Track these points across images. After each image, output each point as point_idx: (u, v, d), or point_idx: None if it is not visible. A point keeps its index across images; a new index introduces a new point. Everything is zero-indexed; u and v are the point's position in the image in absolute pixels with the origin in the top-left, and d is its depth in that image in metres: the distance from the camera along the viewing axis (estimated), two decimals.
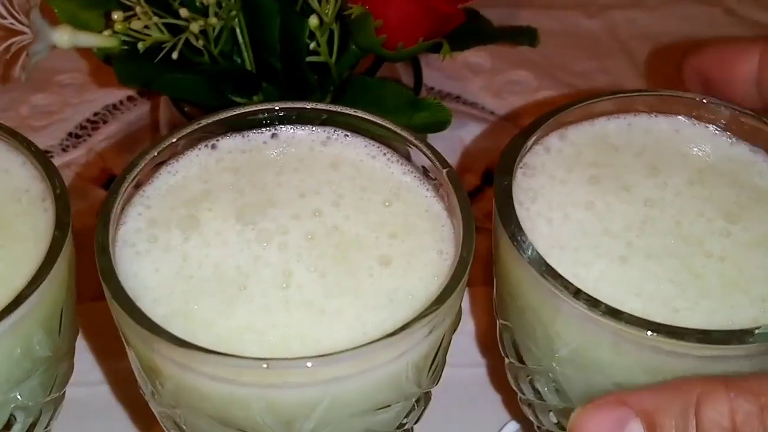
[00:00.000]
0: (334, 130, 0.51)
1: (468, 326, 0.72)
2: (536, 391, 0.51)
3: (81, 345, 0.57)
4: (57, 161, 0.83)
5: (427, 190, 0.49)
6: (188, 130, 0.48)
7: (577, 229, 0.47)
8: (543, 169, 0.50)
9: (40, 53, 0.64)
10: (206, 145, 0.49)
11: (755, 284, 0.45)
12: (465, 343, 0.71)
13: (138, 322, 0.40)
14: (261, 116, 0.50)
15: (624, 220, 0.48)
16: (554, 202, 0.49)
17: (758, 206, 0.49)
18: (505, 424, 0.65)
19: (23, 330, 0.42)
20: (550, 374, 0.49)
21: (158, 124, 0.78)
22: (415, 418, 0.48)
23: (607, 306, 0.42)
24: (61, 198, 0.45)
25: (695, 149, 0.52)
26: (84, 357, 0.60)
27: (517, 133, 0.50)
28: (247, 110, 0.50)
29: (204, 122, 0.49)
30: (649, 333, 0.41)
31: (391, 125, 0.49)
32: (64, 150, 0.84)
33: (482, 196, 0.84)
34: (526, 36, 0.69)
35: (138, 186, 0.47)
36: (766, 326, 0.42)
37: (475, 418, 0.66)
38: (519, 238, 0.45)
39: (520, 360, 0.51)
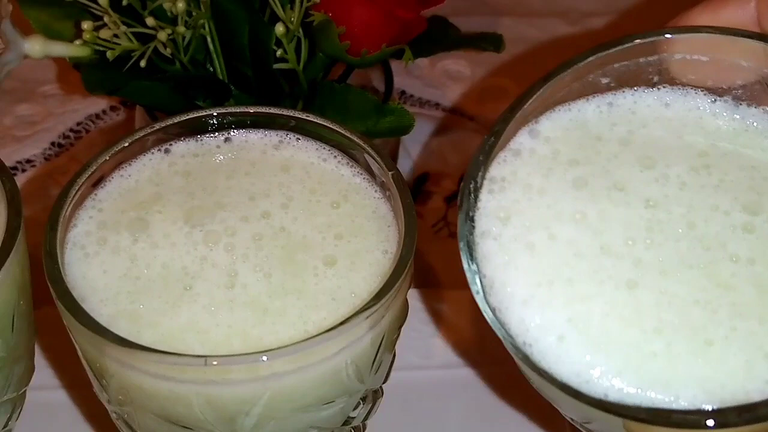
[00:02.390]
0: (287, 134, 0.52)
1: (442, 329, 0.73)
2: None
3: (45, 348, 0.58)
4: (39, 170, 0.85)
5: (376, 191, 0.49)
6: (141, 134, 0.50)
7: (567, 252, 0.38)
8: (515, 179, 0.40)
9: (11, 63, 0.65)
10: (159, 149, 0.50)
11: None
12: (438, 345, 0.72)
13: (82, 322, 0.41)
14: (214, 120, 0.51)
15: (625, 230, 0.39)
16: (534, 219, 0.39)
17: None
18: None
19: None
20: None
21: None
22: (364, 415, 0.48)
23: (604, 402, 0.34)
24: (13, 202, 0.46)
25: (692, 126, 0.42)
26: (46, 360, 0.61)
27: (479, 145, 0.41)
28: (200, 114, 0.51)
29: (158, 126, 0.50)
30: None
31: (342, 129, 0.50)
32: (46, 159, 0.86)
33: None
34: (490, 42, 0.69)
35: (90, 190, 0.48)
36: None
37: (450, 418, 0.66)
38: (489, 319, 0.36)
39: None
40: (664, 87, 0.42)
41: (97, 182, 0.48)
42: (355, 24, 0.64)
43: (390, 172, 0.48)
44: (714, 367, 0.35)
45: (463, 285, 0.79)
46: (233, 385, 0.41)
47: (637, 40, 0.41)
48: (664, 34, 0.41)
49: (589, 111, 0.42)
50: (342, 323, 0.41)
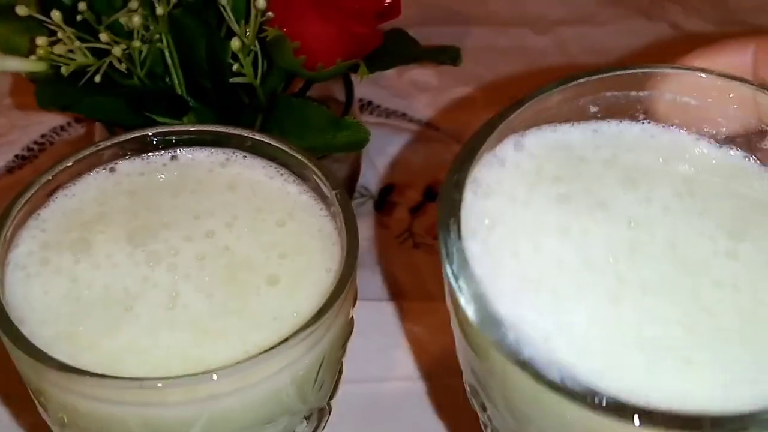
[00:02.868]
0: (233, 152, 0.52)
1: (404, 340, 0.73)
2: None
3: None
4: (2, 183, 0.84)
5: (322, 210, 0.50)
6: (86, 153, 0.49)
7: (551, 263, 0.39)
8: (500, 188, 0.41)
9: None
10: (105, 168, 0.50)
11: None
12: (399, 357, 0.72)
13: (19, 346, 0.41)
14: (161, 138, 0.51)
15: (607, 247, 0.39)
16: (518, 229, 0.40)
17: (765, 218, 0.41)
18: None
19: None
20: None
21: None
22: (311, 431, 0.48)
23: (613, 403, 0.33)
24: None
25: (676, 155, 0.43)
26: None
27: (467, 141, 0.41)
28: (146, 133, 0.51)
29: (103, 145, 0.50)
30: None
31: (288, 147, 0.50)
32: (9, 171, 0.85)
33: (424, 211, 0.85)
34: (448, 55, 0.69)
35: (33, 209, 0.48)
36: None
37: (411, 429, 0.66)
38: (475, 307, 0.35)
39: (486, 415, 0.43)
40: (649, 122, 0.44)
41: (41, 202, 0.48)
42: (310, 39, 0.64)
43: (334, 191, 0.48)
44: (694, 385, 0.35)
45: (426, 296, 0.79)
46: (170, 407, 0.41)
47: (632, 70, 0.42)
48: (658, 68, 0.42)
49: (574, 134, 0.44)
50: (281, 343, 0.41)
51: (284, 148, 0.50)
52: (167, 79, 0.71)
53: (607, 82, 0.42)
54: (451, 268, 0.36)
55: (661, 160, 0.43)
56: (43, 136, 0.88)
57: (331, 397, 0.49)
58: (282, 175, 0.51)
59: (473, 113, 0.95)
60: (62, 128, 0.89)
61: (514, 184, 0.42)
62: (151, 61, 0.67)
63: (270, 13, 0.63)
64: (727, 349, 0.36)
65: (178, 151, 0.52)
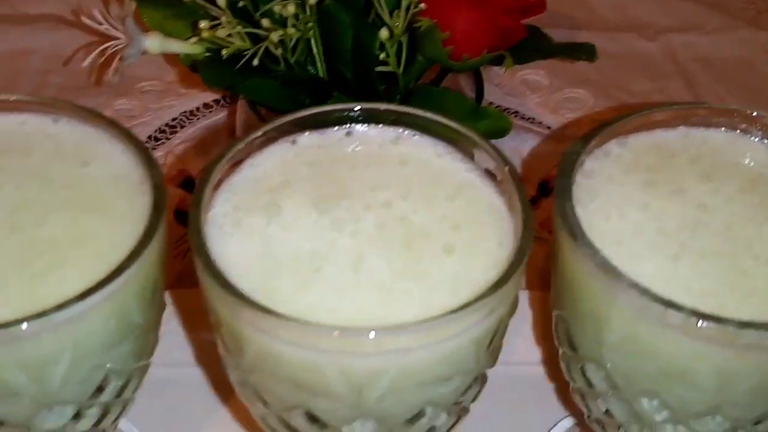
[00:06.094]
0: (403, 130, 0.55)
1: (524, 327, 0.75)
2: (586, 379, 0.54)
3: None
4: None
5: (489, 187, 0.52)
6: (270, 127, 0.53)
7: (633, 227, 0.51)
8: (602, 172, 0.54)
9: (132, 57, 0.70)
10: (286, 141, 0.54)
11: None
12: (520, 342, 0.75)
13: (227, 292, 0.45)
14: (337, 115, 0.54)
15: (677, 221, 0.51)
16: (612, 201, 0.52)
17: None
18: (560, 420, 0.68)
19: (120, 299, 0.47)
20: (599, 361, 0.52)
21: (234, 128, 0.83)
22: (472, 397, 0.51)
23: (659, 297, 0.45)
24: (159, 183, 0.49)
25: (748, 160, 0.56)
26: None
27: (580, 137, 0.54)
28: (324, 110, 0.54)
29: (285, 120, 0.53)
30: (700, 323, 0.45)
31: (458, 125, 0.53)
32: None
33: (538, 206, 0.87)
34: (584, 52, 0.72)
35: (226, 174, 0.52)
36: None
37: (530, 413, 0.69)
38: (576, 233, 0.48)
39: (573, 348, 0.54)
40: (733, 130, 0.57)
41: (231, 169, 0.52)
42: (459, 30, 0.67)
43: (506, 167, 0.50)
44: None
45: (542, 286, 0.81)
46: (365, 357, 0.44)
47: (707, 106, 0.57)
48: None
49: (669, 136, 0.57)
50: (465, 306, 0.44)
51: (454, 126, 0.53)
52: (309, 66, 0.75)
53: (694, 113, 0.57)
54: (568, 222, 0.49)
55: (736, 162, 0.55)
56: (174, 119, 0.93)
57: (493, 363, 0.52)
58: (450, 153, 0.54)
59: (583, 113, 0.98)
60: (191, 113, 0.94)
61: (613, 169, 0.54)
62: (301, 47, 0.71)
63: (422, 5, 0.66)
64: (752, 301, 0.48)
65: (351, 127, 0.55)
